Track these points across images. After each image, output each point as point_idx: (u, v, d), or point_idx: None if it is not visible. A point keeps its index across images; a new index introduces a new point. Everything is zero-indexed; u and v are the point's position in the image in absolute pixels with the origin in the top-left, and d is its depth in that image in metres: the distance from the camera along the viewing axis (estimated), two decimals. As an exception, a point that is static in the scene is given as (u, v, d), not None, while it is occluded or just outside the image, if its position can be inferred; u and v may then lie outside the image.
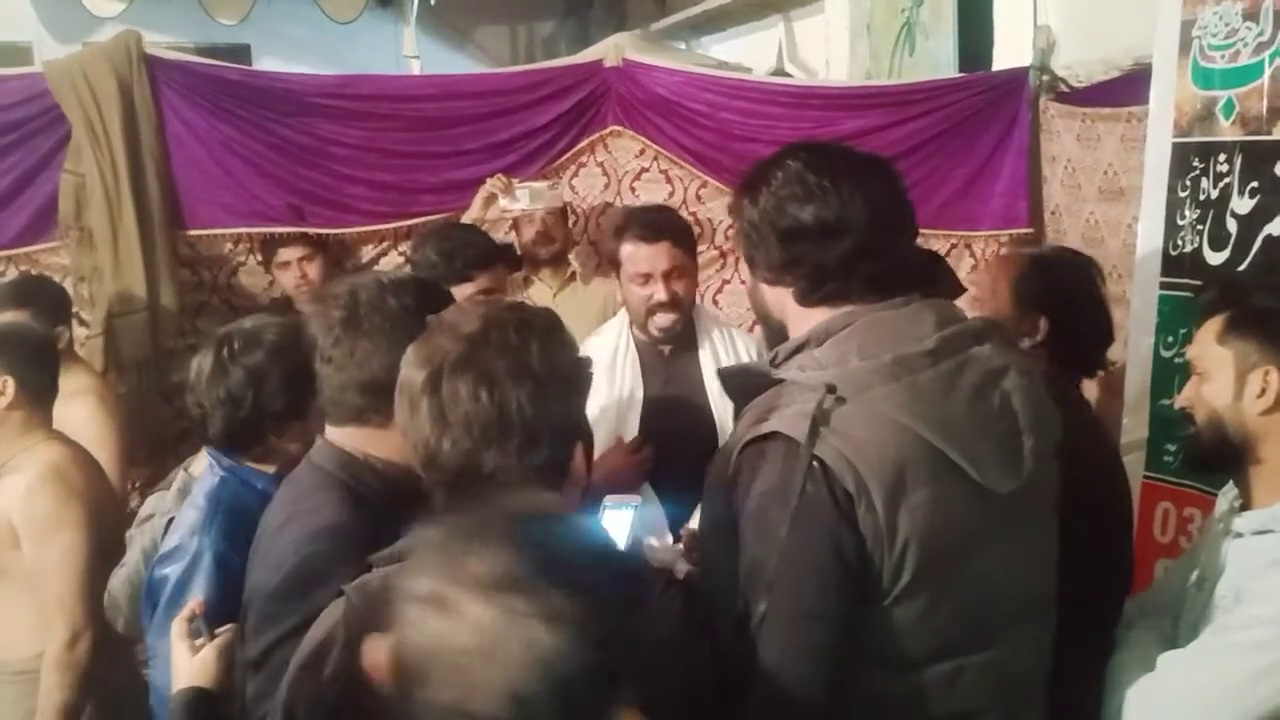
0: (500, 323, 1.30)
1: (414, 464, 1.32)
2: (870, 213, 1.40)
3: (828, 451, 1.30)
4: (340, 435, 1.61)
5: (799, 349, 1.43)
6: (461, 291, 2.42)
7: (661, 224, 2.61)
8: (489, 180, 3.15)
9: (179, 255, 3.20)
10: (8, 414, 2.36)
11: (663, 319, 2.55)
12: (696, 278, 2.69)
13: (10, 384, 2.35)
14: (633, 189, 3.46)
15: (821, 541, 1.30)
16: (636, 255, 2.54)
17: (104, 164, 3.06)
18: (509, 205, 3.12)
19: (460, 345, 1.27)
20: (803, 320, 1.46)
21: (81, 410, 2.72)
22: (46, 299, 2.85)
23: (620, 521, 2.05)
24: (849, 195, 1.40)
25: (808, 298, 1.45)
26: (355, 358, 1.56)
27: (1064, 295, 2.00)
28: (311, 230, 3.25)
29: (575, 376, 1.35)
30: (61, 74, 3.07)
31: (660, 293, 2.52)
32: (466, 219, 3.15)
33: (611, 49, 3.43)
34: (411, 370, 1.29)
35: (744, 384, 1.51)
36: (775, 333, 1.52)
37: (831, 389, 1.33)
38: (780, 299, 1.49)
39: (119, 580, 2.10)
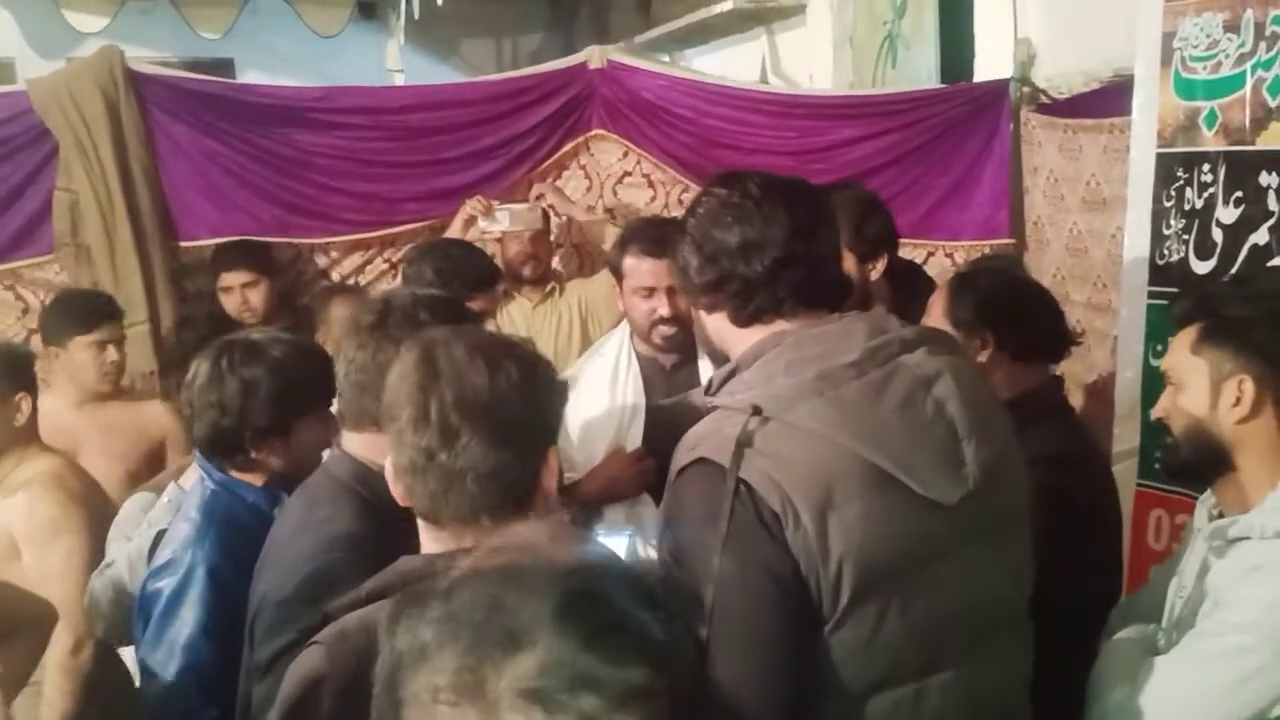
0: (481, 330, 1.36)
1: (395, 469, 1.32)
2: (791, 227, 1.42)
3: (752, 473, 1.29)
4: (356, 444, 1.62)
5: (731, 374, 1.44)
6: None
7: (666, 239, 2.59)
8: (469, 202, 3.16)
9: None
10: (19, 430, 2.39)
11: (665, 330, 2.55)
12: None
13: (28, 401, 2.39)
14: (615, 192, 3.47)
15: (756, 565, 1.28)
16: (640, 269, 2.53)
17: (95, 180, 3.09)
18: (489, 227, 3.13)
19: (448, 332, 1.35)
20: (741, 343, 1.46)
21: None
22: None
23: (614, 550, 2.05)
24: (769, 213, 1.42)
25: (740, 315, 1.45)
26: (377, 361, 1.58)
27: (993, 301, 2.02)
28: (296, 240, 3.27)
29: (554, 379, 1.38)
30: (46, 92, 3.08)
31: (663, 308, 2.51)
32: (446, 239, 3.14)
33: (597, 52, 3.43)
34: (405, 357, 1.33)
35: (683, 414, 1.52)
36: (720, 362, 1.53)
37: (757, 410, 1.33)
38: (719, 325, 1.49)
39: (101, 584, 2.09)
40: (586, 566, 0.73)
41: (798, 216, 1.43)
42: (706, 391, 1.47)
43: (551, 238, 3.41)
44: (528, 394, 1.30)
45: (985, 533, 1.39)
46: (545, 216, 3.29)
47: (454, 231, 3.16)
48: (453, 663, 0.68)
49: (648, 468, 2.46)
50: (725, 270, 1.44)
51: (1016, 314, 2.02)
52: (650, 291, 2.53)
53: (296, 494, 1.68)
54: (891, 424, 1.34)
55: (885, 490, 1.31)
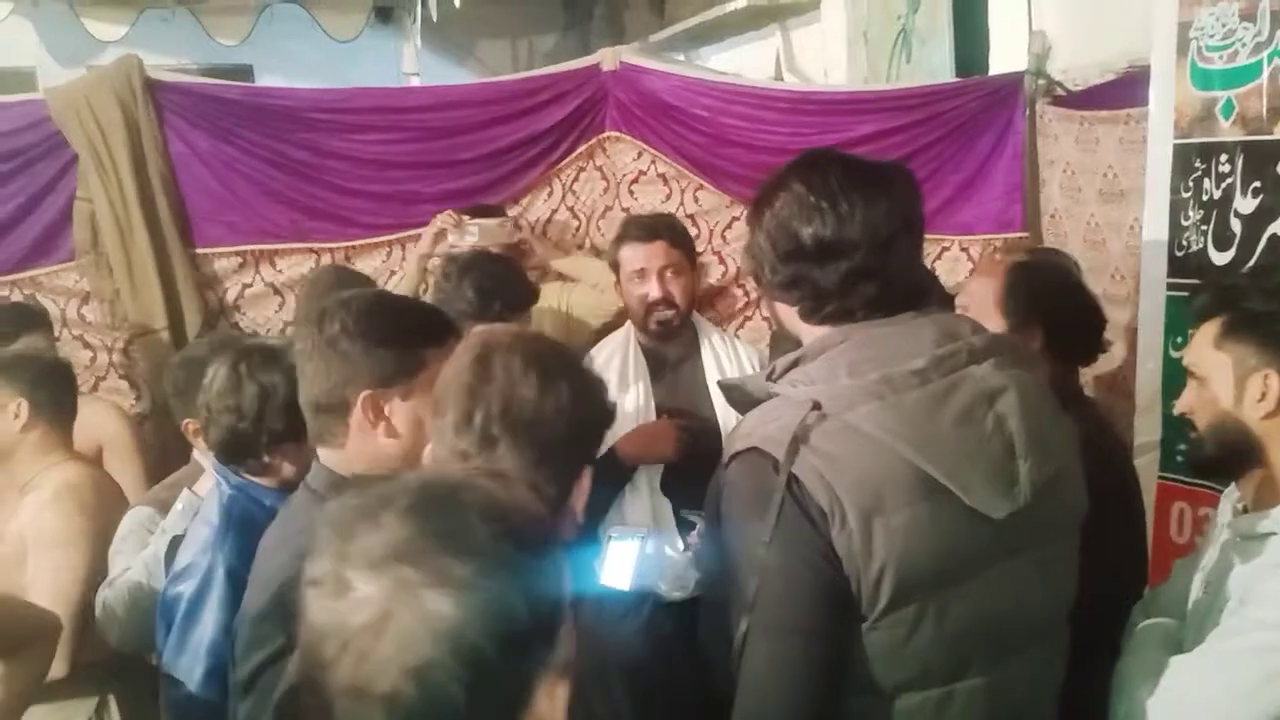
0: (547, 337, 1.38)
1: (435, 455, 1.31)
2: (870, 231, 1.39)
3: (804, 469, 1.29)
4: (325, 456, 1.60)
5: (795, 363, 1.43)
6: None
7: (657, 224, 2.68)
8: (439, 216, 3.12)
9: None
10: (24, 436, 2.40)
11: (660, 314, 2.59)
12: (694, 280, 2.72)
13: (24, 406, 2.39)
14: (631, 192, 3.45)
15: (800, 558, 1.29)
16: (633, 254, 2.61)
17: (112, 190, 3.09)
18: (459, 241, 3.08)
19: (512, 337, 1.33)
20: (810, 335, 1.46)
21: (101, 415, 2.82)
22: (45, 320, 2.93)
23: (626, 553, 2.05)
24: (847, 213, 1.39)
25: (811, 316, 1.45)
26: (306, 376, 1.56)
27: (1051, 298, 2.01)
28: (314, 245, 3.27)
29: (606, 403, 1.36)
30: (64, 101, 3.09)
31: (654, 290, 2.57)
32: (416, 253, 3.12)
33: (610, 54, 3.42)
34: (459, 356, 1.31)
35: (743, 396, 1.51)
36: (794, 344, 1.51)
37: (816, 405, 1.33)
38: (790, 315, 1.49)
39: (116, 593, 2.11)
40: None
41: (876, 223, 1.39)
42: (769, 376, 1.46)
43: (574, 245, 3.41)
44: (575, 417, 1.28)
45: (1030, 547, 1.40)
46: (519, 230, 3.24)
47: (423, 244, 3.13)
48: (326, 554, 0.85)
49: (682, 430, 2.48)
50: (799, 272, 1.42)
51: (1069, 316, 2.01)
52: (641, 273, 2.58)
53: (282, 507, 1.67)
54: (948, 435, 1.33)
55: (934, 500, 1.31)
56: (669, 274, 2.59)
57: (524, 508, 0.89)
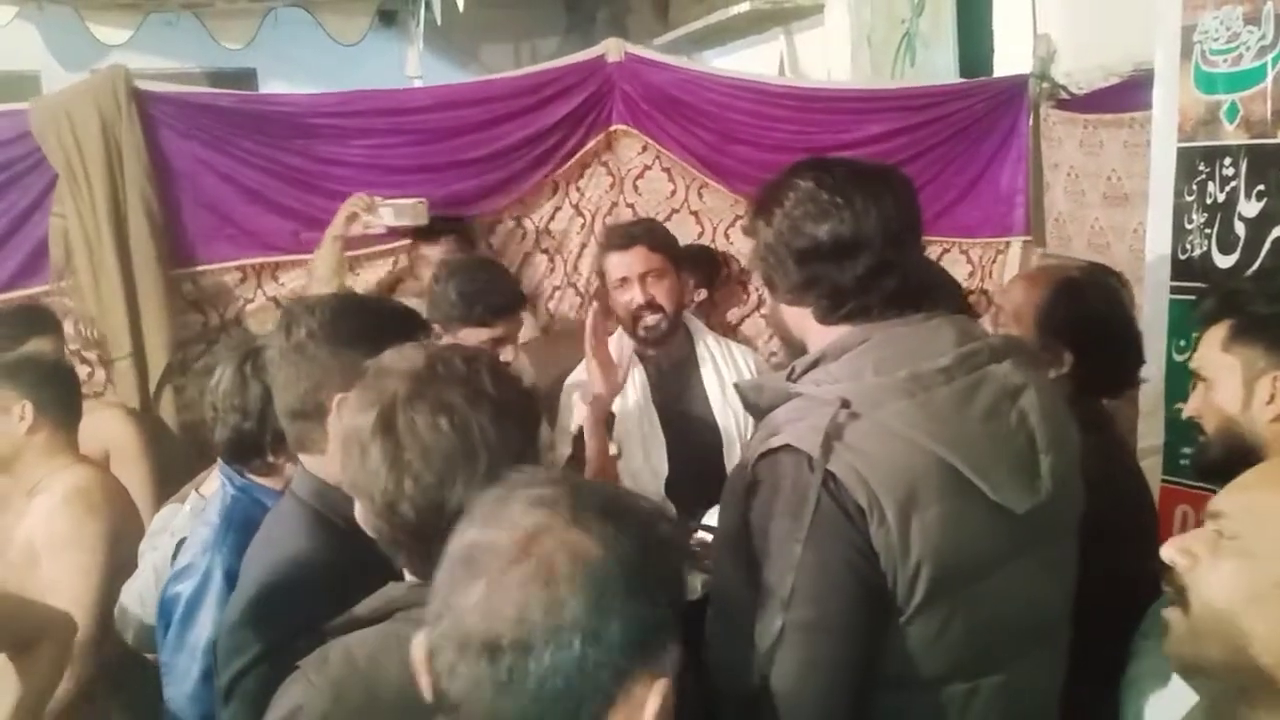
0: (444, 356, 1.27)
1: (369, 524, 1.26)
2: (884, 226, 1.40)
3: (840, 466, 1.30)
4: (309, 462, 1.59)
5: (815, 363, 1.43)
6: (476, 335, 2.41)
7: (636, 231, 2.69)
8: (351, 198, 3.05)
9: (184, 295, 3.10)
10: (29, 438, 2.40)
11: (647, 320, 2.59)
12: (681, 283, 2.71)
13: (28, 408, 2.39)
14: (635, 187, 3.42)
15: (836, 556, 1.30)
16: (615, 263, 2.62)
17: (84, 207, 2.95)
18: (373, 221, 3.04)
19: (408, 381, 1.23)
20: (823, 338, 1.46)
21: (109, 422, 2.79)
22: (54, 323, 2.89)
23: None
24: (862, 210, 1.40)
25: (828, 317, 1.45)
26: (279, 384, 1.57)
27: (1091, 325, 1.94)
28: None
29: (529, 404, 1.32)
30: (44, 114, 2.96)
31: (638, 296, 2.58)
32: (329, 234, 3.04)
33: (614, 44, 3.37)
34: (356, 417, 1.23)
35: (760, 398, 1.51)
36: (797, 351, 1.52)
37: (845, 403, 1.33)
38: (801, 318, 1.49)
39: (131, 593, 2.12)
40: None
41: (889, 217, 1.41)
42: (788, 377, 1.46)
43: (580, 242, 3.40)
44: (503, 440, 1.22)
45: (1042, 543, 1.41)
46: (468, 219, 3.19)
47: (335, 227, 3.04)
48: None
49: None
50: (817, 272, 1.42)
51: (1104, 347, 1.95)
52: (624, 281, 2.59)
53: (268, 514, 1.66)
54: (976, 431, 1.35)
55: (963, 495, 1.32)
56: (650, 279, 2.60)
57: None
